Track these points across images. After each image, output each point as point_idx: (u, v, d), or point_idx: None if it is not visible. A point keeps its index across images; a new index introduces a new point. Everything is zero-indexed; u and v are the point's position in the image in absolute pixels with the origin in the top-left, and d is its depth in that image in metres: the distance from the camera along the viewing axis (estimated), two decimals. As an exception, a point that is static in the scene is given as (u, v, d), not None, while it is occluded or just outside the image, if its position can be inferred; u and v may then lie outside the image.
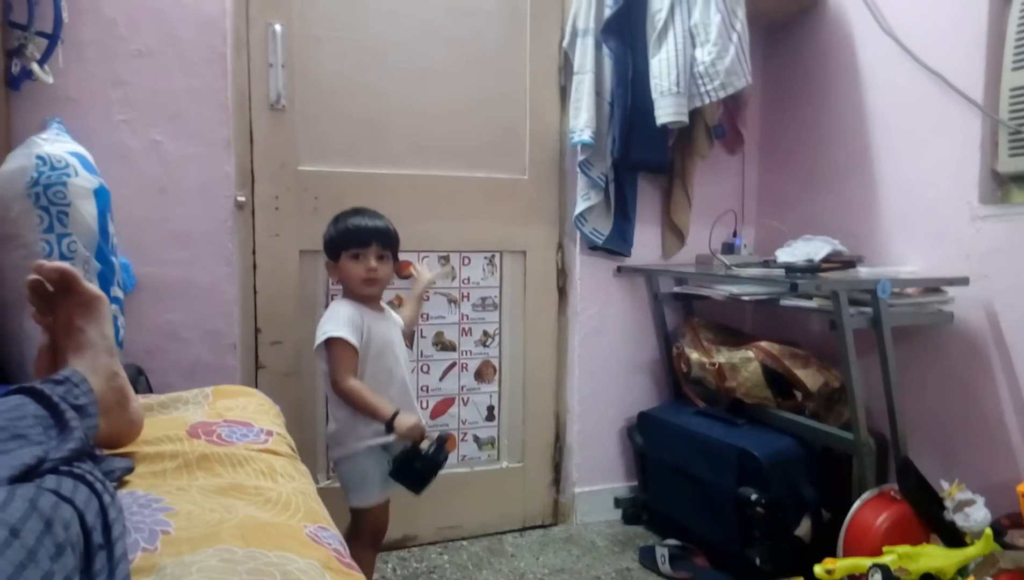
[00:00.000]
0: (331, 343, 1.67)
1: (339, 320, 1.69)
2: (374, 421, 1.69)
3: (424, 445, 1.69)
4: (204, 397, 1.34)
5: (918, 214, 2.03)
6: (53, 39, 1.72)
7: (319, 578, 0.70)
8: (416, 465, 1.68)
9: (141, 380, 1.80)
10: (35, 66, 1.68)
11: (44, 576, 0.54)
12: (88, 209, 1.52)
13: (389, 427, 1.68)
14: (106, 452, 0.97)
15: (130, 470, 0.93)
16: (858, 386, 1.81)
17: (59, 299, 0.96)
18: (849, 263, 2.07)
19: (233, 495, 0.89)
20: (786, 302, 2.06)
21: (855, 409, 1.82)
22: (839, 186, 2.30)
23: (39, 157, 1.45)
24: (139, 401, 1.02)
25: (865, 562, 1.57)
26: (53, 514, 0.59)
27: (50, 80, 1.72)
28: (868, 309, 1.81)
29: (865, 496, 1.78)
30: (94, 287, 1.00)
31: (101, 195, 1.57)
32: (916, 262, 2.02)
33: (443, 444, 1.71)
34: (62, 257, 1.47)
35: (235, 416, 1.24)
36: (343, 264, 1.75)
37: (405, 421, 1.67)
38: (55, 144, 1.54)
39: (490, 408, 2.43)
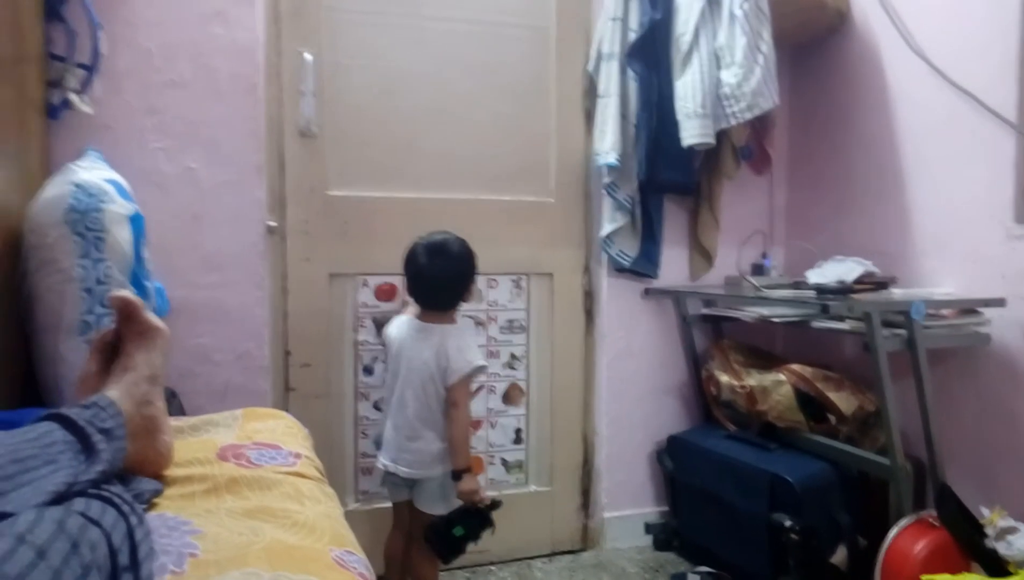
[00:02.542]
0: (474, 371, 1.77)
1: (475, 348, 1.82)
2: None
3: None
4: (234, 419, 1.35)
5: (952, 234, 1.99)
6: (91, 70, 1.77)
7: None
8: (456, 531, 1.72)
9: (175, 403, 1.82)
10: (73, 96, 1.73)
11: None
12: (123, 235, 1.56)
13: (457, 475, 1.74)
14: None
15: (159, 492, 0.94)
16: (893, 410, 1.77)
17: (121, 328, 1.00)
18: (882, 284, 2.03)
19: (260, 518, 0.89)
20: (818, 324, 2.03)
21: (891, 433, 1.78)
22: (870, 206, 2.27)
23: (76, 184, 1.49)
24: (171, 434, 1.04)
25: (904, 591, 1.53)
26: (80, 536, 0.60)
27: (88, 110, 1.77)
28: (902, 331, 1.78)
29: (902, 523, 1.73)
30: (155, 318, 1.03)
31: (136, 221, 1.61)
32: (951, 283, 1.98)
33: (494, 508, 1.76)
34: (98, 282, 1.50)
35: (264, 439, 1.25)
36: (469, 295, 1.86)
37: (472, 481, 1.75)
38: (92, 172, 1.58)
39: (518, 431, 2.42)
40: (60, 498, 0.67)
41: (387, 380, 1.88)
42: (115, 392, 0.94)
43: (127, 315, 1.00)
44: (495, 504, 1.76)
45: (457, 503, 1.76)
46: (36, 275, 1.48)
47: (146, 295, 1.65)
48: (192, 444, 1.21)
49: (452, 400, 1.74)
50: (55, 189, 1.51)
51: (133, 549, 0.68)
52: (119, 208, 1.56)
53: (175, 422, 1.34)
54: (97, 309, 1.50)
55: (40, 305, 1.49)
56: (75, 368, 1.48)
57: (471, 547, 1.76)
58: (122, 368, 0.98)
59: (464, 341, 1.81)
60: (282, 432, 1.31)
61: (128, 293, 1.02)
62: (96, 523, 0.64)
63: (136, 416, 0.95)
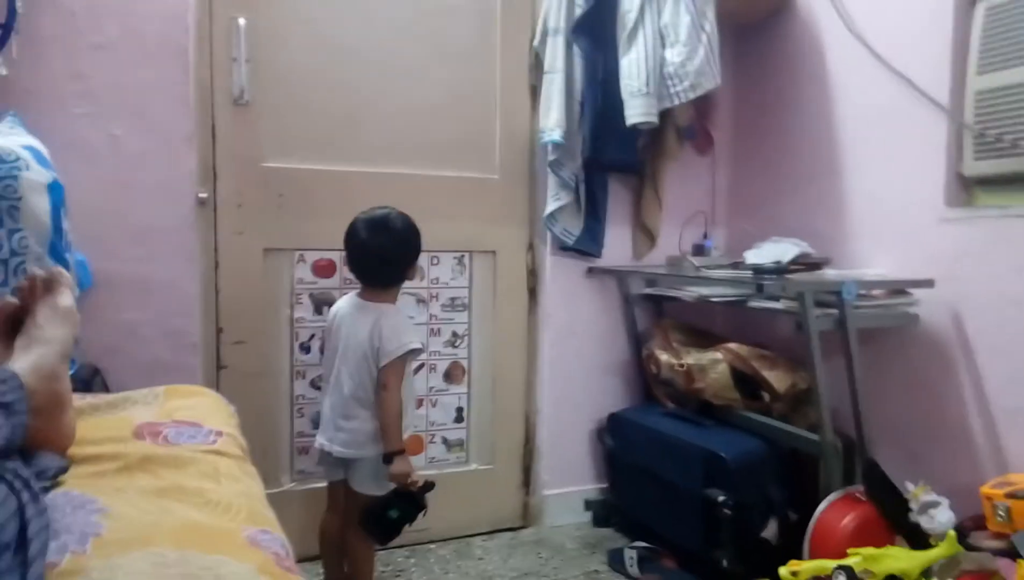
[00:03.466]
0: (407, 354, 1.73)
1: (410, 330, 1.79)
2: None
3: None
4: (155, 397, 1.30)
5: (885, 217, 2.04)
6: (7, 29, 1.67)
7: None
8: (391, 514, 1.70)
9: (97, 380, 1.76)
10: (-14, 56, 1.64)
11: None
12: (41, 204, 1.48)
13: (389, 458, 1.71)
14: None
15: (64, 469, 0.90)
16: (824, 388, 1.81)
17: (33, 303, 0.96)
18: (816, 265, 2.07)
19: (172, 497, 0.86)
20: (754, 304, 2.07)
21: (821, 411, 1.82)
22: (808, 188, 2.31)
23: (-13, 149, 1.41)
24: (73, 413, 0.99)
25: (830, 564, 1.56)
26: None
27: (3, 71, 1.68)
28: (834, 311, 1.81)
29: (831, 498, 1.77)
30: (71, 302, 0.99)
31: (55, 190, 1.53)
32: (883, 264, 2.03)
33: (426, 491, 1.73)
34: (12, 253, 1.43)
35: (184, 416, 1.20)
36: (412, 272, 1.83)
37: (403, 464, 1.72)
38: (7, 137, 1.50)
39: (459, 410, 2.41)
40: None
41: (325, 357, 1.85)
42: (20, 365, 0.89)
43: (48, 287, 0.96)
44: (428, 486, 1.74)
45: (391, 485, 1.74)
46: (-57, 245, 1.40)
47: (67, 267, 1.57)
48: (108, 422, 1.16)
49: (383, 382, 1.71)
50: (-36, 154, 1.43)
51: (22, 527, 0.65)
52: (36, 175, 1.48)
53: (94, 399, 1.29)
54: (12, 281, 1.43)
55: (-52, 277, 1.41)
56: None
57: (409, 528, 1.75)
58: (31, 340, 0.93)
59: (399, 322, 1.78)
60: (205, 410, 1.27)
61: (60, 270, 0.99)
62: None
63: (42, 391, 0.90)
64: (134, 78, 1.87)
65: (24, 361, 0.90)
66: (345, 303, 1.83)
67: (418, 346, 1.76)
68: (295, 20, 2.09)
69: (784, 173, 2.41)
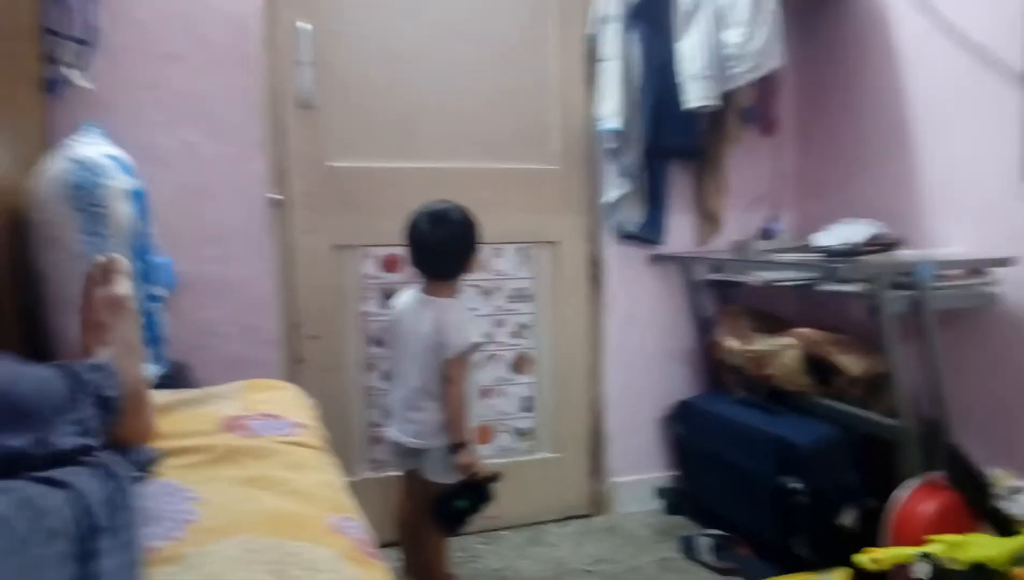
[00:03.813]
0: (470, 348, 1.76)
1: (472, 324, 1.82)
2: None
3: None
4: (238, 391, 1.36)
5: (961, 194, 1.96)
6: (89, 45, 1.76)
7: (337, 567, 0.71)
8: (458, 504, 1.73)
9: (184, 375, 1.84)
10: (72, 72, 1.73)
11: (34, 561, 0.56)
12: (125, 210, 1.56)
13: (454, 449, 1.74)
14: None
15: (153, 460, 0.95)
16: (901, 372, 1.77)
17: (98, 289, 1.00)
18: (890, 246, 2.01)
19: (259, 486, 0.90)
20: (825, 287, 2.01)
21: (898, 395, 1.77)
22: (879, 167, 2.23)
23: (75, 160, 1.49)
24: (151, 408, 1.04)
25: (911, 551, 1.53)
26: (43, 503, 0.61)
27: (86, 85, 1.77)
28: (910, 292, 1.76)
29: (911, 484, 1.73)
30: (125, 289, 1.03)
31: (138, 196, 1.61)
32: (959, 243, 1.95)
33: (491, 481, 1.75)
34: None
35: (267, 409, 1.25)
36: (472, 264, 1.83)
37: (469, 455, 1.74)
38: (92, 147, 1.58)
39: (526, 399, 2.43)
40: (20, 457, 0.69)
41: (390, 352, 1.89)
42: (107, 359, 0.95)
43: (106, 276, 1.02)
44: (494, 477, 1.76)
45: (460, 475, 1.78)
46: (39, 252, 1.49)
47: (152, 270, 1.66)
48: (197, 415, 1.22)
49: (447, 376, 1.74)
50: (55, 165, 1.51)
51: (115, 511, 0.69)
52: (120, 183, 1.56)
53: (183, 394, 1.35)
54: (102, 285, 1.51)
55: (44, 282, 1.50)
56: (80, 343, 1.50)
57: (477, 517, 1.78)
58: (104, 340, 0.99)
59: (461, 317, 1.80)
60: (286, 403, 1.32)
61: (118, 257, 1.04)
62: (65, 486, 0.65)
63: (129, 387, 0.96)
64: (206, 85, 1.95)
65: (108, 356, 0.96)
66: (407, 298, 1.87)
67: (480, 340, 1.78)
68: (356, 23, 2.14)
69: (853, 152, 2.34)
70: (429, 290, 1.82)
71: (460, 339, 1.74)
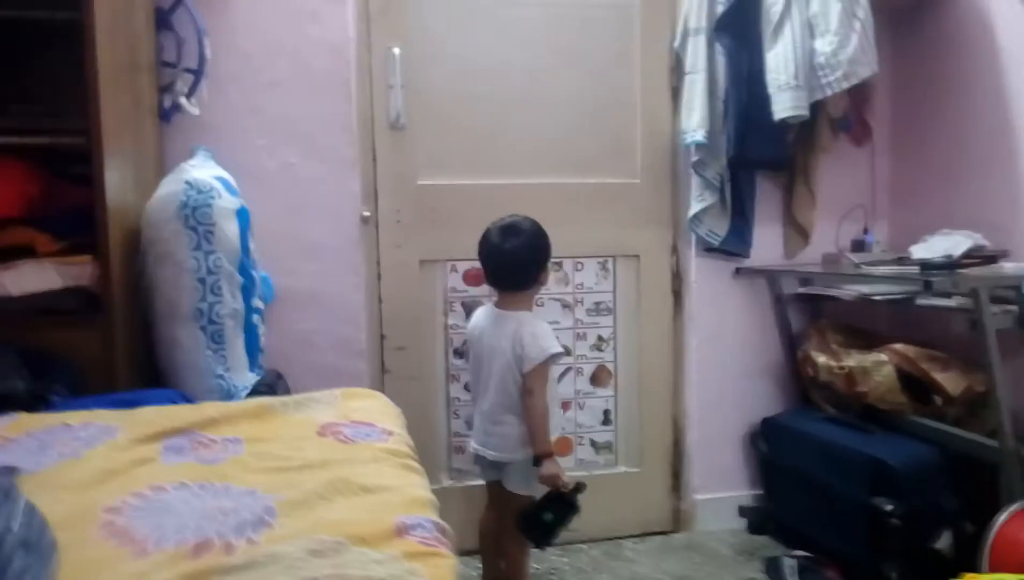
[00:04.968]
0: (549, 359, 1.78)
1: (550, 335, 1.81)
2: None
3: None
4: (334, 398, 1.43)
5: (1073, 203, 1.85)
6: (198, 74, 1.90)
7: (398, 566, 0.76)
8: (545, 516, 1.75)
9: (281, 383, 1.95)
10: (183, 100, 1.87)
11: None
12: (231, 228, 1.68)
13: (538, 460, 1.77)
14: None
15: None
16: (1004, 390, 1.68)
17: None
18: (992, 258, 1.92)
19: (339, 490, 0.96)
20: (922, 301, 1.94)
21: (1001, 415, 1.68)
22: (980, 176, 2.13)
23: (187, 182, 1.61)
24: None
25: (1011, 578, 1.45)
26: None
27: (196, 112, 1.91)
28: (1013, 307, 1.67)
29: (1012, 508, 1.64)
30: None
31: (242, 215, 1.73)
32: (1070, 256, 1.84)
33: (578, 492, 1.77)
34: (209, 272, 1.63)
35: (360, 417, 1.32)
36: (544, 275, 1.87)
37: (552, 466, 1.76)
38: (201, 170, 1.71)
39: (606, 412, 2.43)
40: None
41: (471, 367, 1.94)
42: None
43: None
44: (579, 487, 1.78)
45: (543, 486, 1.80)
46: (154, 267, 1.62)
47: (253, 284, 1.77)
48: (295, 420, 1.31)
49: (527, 388, 1.77)
50: (169, 187, 1.65)
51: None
52: (227, 203, 1.68)
53: (283, 398, 1.44)
54: (209, 297, 1.63)
55: (158, 295, 1.63)
56: (190, 352, 1.62)
57: (565, 529, 1.79)
58: None
59: (539, 328, 1.82)
60: (377, 411, 1.39)
61: None
62: None
63: None
64: (304, 109, 2.06)
65: None
66: (483, 314, 1.91)
67: (559, 350, 1.80)
68: (442, 46, 2.22)
69: (952, 161, 2.25)
70: (504, 304, 1.86)
71: (538, 351, 1.76)
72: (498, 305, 1.88)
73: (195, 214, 1.60)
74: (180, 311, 1.62)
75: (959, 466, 1.89)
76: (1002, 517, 1.64)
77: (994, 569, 1.60)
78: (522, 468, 1.81)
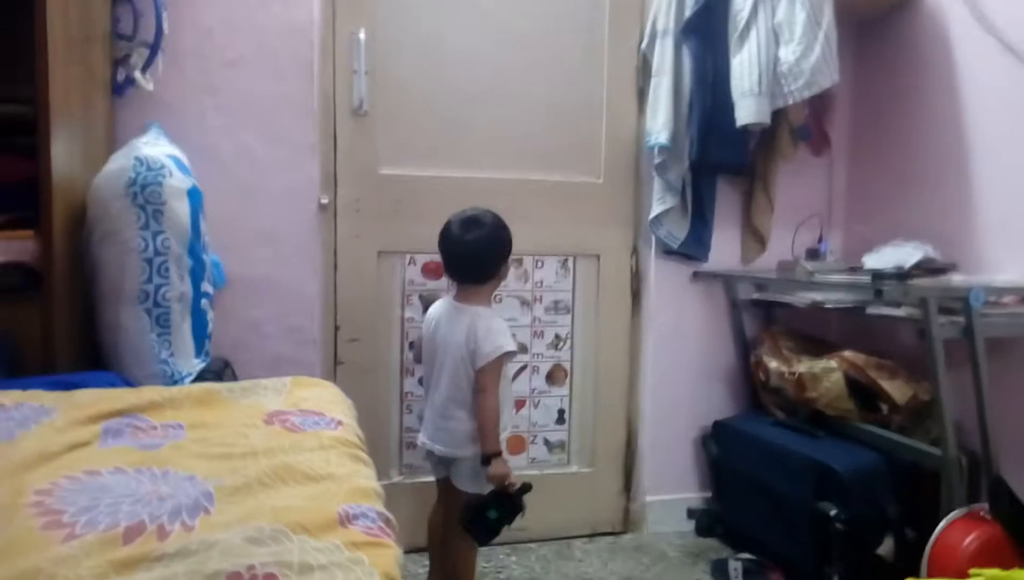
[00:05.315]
0: (502, 356, 1.75)
1: (505, 332, 1.79)
2: None
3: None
4: (283, 386, 1.40)
5: (1017, 219, 1.90)
6: (154, 49, 1.84)
7: (339, 555, 0.74)
8: (489, 514, 1.74)
9: (228, 372, 1.90)
10: (137, 74, 1.81)
11: None
12: (181, 208, 1.62)
13: (487, 460, 1.75)
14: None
15: None
16: (948, 399, 1.72)
17: None
18: (941, 270, 1.96)
19: (282, 477, 0.93)
20: (872, 310, 1.97)
21: (944, 424, 1.72)
22: (933, 189, 2.19)
23: (137, 158, 1.55)
24: None
25: (951, 586, 1.49)
26: None
27: (150, 87, 1.84)
28: (960, 318, 1.71)
29: (953, 515, 1.68)
30: None
31: (194, 195, 1.67)
32: (1014, 270, 1.89)
33: (524, 492, 1.76)
34: (156, 253, 1.57)
35: (309, 406, 1.29)
36: (504, 270, 1.86)
37: (501, 465, 1.75)
38: (153, 147, 1.65)
39: (560, 411, 2.43)
40: None
41: (424, 360, 1.91)
42: None
43: None
44: (525, 488, 1.77)
45: (491, 484, 1.79)
46: (99, 246, 1.56)
47: (203, 268, 1.72)
48: (242, 407, 1.27)
49: (481, 385, 1.75)
50: (118, 162, 1.58)
51: None
52: (178, 182, 1.62)
53: (231, 384, 1.40)
54: (156, 279, 1.57)
55: (102, 275, 1.56)
56: (134, 335, 1.56)
57: (507, 528, 1.78)
58: None
59: (495, 324, 1.80)
60: (327, 400, 1.36)
61: None
62: None
63: None
64: (264, 91, 2.01)
65: None
66: (440, 306, 1.89)
67: (513, 349, 1.78)
68: (410, 33, 2.19)
69: (907, 174, 2.30)
70: (462, 298, 1.84)
71: (492, 347, 1.74)
72: (456, 298, 1.86)
73: (144, 192, 1.54)
74: (125, 292, 1.55)
75: (903, 473, 1.93)
76: (942, 524, 1.67)
77: (934, 575, 1.63)
78: (470, 465, 1.79)
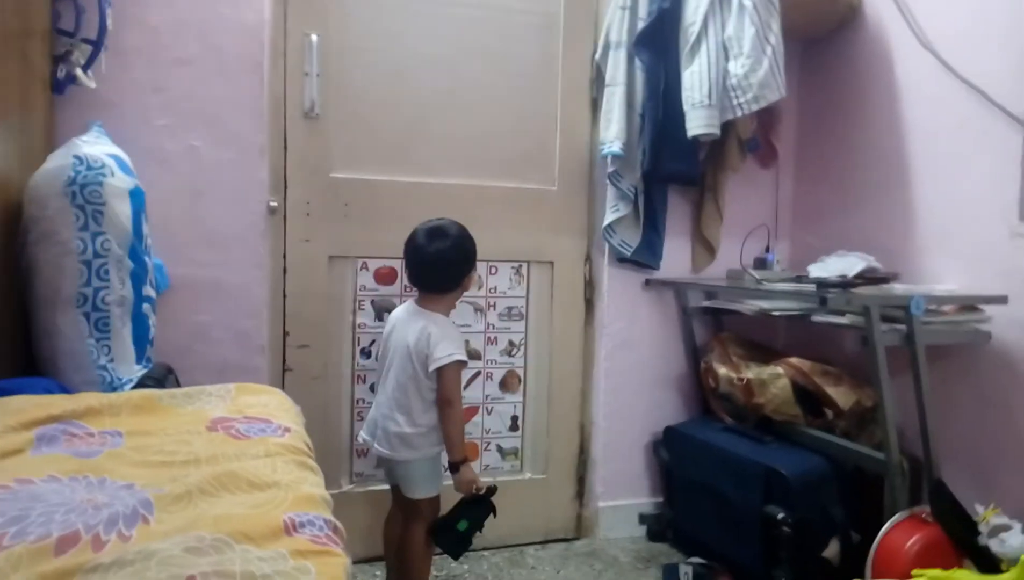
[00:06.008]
0: (455, 364, 1.75)
1: (459, 341, 1.80)
2: None
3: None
4: (227, 392, 1.36)
5: (956, 231, 1.98)
6: (97, 46, 1.78)
7: (284, 563, 0.72)
8: (460, 526, 1.75)
9: (171, 378, 1.83)
10: (79, 71, 1.74)
11: None
12: (123, 209, 1.56)
13: (455, 468, 1.76)
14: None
15: None
16: (890, 405, 1.77)
17: None
18: (883, 279, 2.02)
19: (225, 485, 0.90)
20: (817, 318, 2.02)
21: (887, 428, 1.77)
22: (876, 202, 2.26)
23: (77, 157, 1.50)
24: None
25: (893, 587, 1.52)
26: None
27: (92, 85, 1.78)
28: (902, 326, 1.76)
29: (896, 518, 1.72)
30: None
31: (136, 196, 1.62)
32: (954, 280, 1.96)
33: (491, 494, 1.78)
34: (96, 255, 1.51)
35: (255, 413, 1.25)
36: (467, 282, 1.86)
37: (468, 472, 1.77)
38: (94, 146, 1.59)
39: (514, 418, 2.42)
40: None
41: (379, 361, 1.90)
42: None
43: None
44: (492, 490, 1.79)
45: (435, 485, 1.79)
46: (35, 247, 1.49)
47: (145, 271, 1.66)
48: (184, 413, 1.22)
49: (445, 397, 1.75)
50: (56, 161, 1.52)
51: None
52: (119, 182, 1.57)
53: (172, 390, 1.35)
54: (95, 282, 1.52)
55: (38, 277, 1.50)
56: (71, 340, 1.50)
57: (479, 535, 1.78)
58: None
59: (449, 330, 1.80)
60: (274, 407, 1.32)
61: None
62: None
63: None
64: (212, 91, 1.96)
65: None
66: (401, 310, 1.89)
67: (463, 359, 1.78)
68: (364, 36, 2.16)
69: (850, 186, 2.37)
70: (423, 303, 1.84)
71: (443, 352, 1.74)
72: (417, 302, 1.86)
73: (83, 192, 1.48)
74: (62, 295, 1.49)
75: (848, 477, 1.98)
76: (886, 527, 1.71)
77: (878, 576, 1.67)
78: (412, 469, 1.78)
